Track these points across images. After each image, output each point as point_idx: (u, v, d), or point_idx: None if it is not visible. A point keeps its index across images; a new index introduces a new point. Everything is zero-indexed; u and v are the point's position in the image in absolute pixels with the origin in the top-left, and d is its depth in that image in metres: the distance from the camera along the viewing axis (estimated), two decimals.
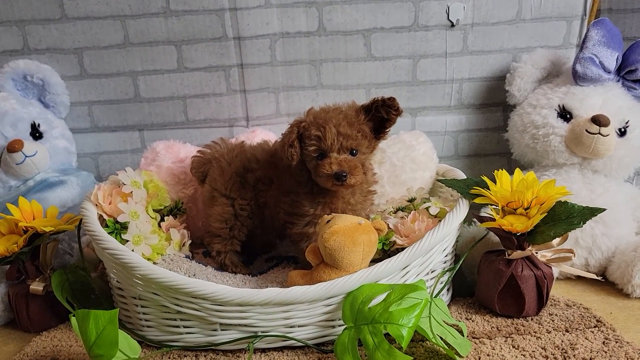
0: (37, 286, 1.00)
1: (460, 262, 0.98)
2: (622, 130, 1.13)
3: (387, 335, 0.77)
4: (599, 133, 1.09)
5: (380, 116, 0.95)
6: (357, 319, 0.81)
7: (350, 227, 0.88)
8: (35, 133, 1.21)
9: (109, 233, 0.96)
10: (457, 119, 1.37)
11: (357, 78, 1.33)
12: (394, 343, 0.83)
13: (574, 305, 0.97)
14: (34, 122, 1.21)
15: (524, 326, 0.91)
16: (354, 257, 0.87)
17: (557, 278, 1.10)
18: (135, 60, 1.30)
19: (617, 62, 1.16)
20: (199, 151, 1.16)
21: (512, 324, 0.92)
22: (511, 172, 1.29)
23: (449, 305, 1.01)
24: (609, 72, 1.15)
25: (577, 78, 1.16)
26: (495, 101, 1.35)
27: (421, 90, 1.34)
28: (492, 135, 1.37)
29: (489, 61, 1.32)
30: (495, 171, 0.99)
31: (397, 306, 0.80)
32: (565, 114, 1.15)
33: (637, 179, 1.27)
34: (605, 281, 1.08)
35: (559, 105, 1.16)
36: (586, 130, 1.10)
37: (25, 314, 1.01)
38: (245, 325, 0.86)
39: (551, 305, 0.98)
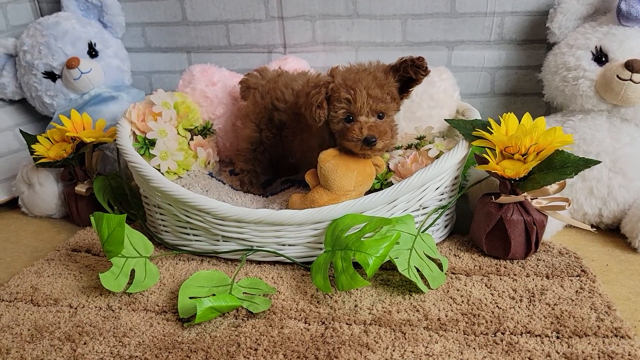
0: (81, 188, 1.16)
1: (453, 201, 1.01)
2: None
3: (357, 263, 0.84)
4: (631, 79, 1.02)
5: (407, 76, 0.94)
6: (335, 244, 0.88)
7: (347, 154, 0.94)
8: (92, 52, 1.34)
9: (139, 148, 1.09)
10: (496, 55, 1.32)
11: (393, 8, 1.31)
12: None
13: (566, 254, 0.97)
14: (91, 42, 1.34)
15: (506, 268, 0.94)
16: (346, 182, 0.93)
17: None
18: None
19: None
20: (244, 76, 1.23)
21: (496, 264, 0.95)
22: (548, 114, 1.27)
23: (444, 241, 1.05)
24: None
25: (621, 17, 1.07)
26: (539, 37, 1.27)
27: (460, 23, 1.30)
28: (532, 73, 1.31)
29: None
30: (504, 114, 0.97)
31: (379, 236, 0.86)
32: (600, 57, 1.08)
33: None
34: (617, 232, 1.06)
35: (595, 47, 1.08)
36: (617, 76, 1.03)
37: (75, 210, 1.19)
38: (243, 239, 0.97)
39: (544, 251, 0.99)
